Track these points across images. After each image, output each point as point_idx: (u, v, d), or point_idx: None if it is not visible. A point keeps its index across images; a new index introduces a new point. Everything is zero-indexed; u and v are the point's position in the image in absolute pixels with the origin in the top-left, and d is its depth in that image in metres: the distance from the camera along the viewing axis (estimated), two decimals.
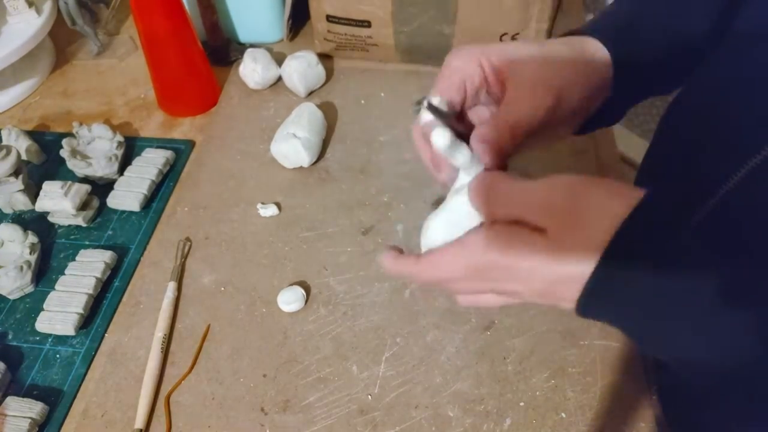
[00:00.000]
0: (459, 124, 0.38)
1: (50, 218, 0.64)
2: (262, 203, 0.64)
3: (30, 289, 0.59)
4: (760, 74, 0.37)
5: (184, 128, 0.75)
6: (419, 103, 0.74)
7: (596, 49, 0.38)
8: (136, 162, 0.68)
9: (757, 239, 0.33)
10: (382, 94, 0.77)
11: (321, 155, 0.69)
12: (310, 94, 0.77)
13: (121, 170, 0.68)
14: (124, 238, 0.63)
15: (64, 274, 0.58)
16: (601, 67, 0.38)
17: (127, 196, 0.65)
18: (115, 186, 0.66)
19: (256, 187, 0.67)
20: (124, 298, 0.59)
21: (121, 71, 0.84)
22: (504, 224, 0.31)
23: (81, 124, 0.70)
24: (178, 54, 0.72)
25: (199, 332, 0.55)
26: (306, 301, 0.56)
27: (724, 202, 0.37)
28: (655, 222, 0.28)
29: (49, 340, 0.55)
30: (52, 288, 0.57)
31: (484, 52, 0.37)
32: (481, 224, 0.33)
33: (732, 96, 0.39)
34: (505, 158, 0.34)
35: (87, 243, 0.63)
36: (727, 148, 0.37)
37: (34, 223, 0.65)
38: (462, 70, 0.37)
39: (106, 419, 0.50)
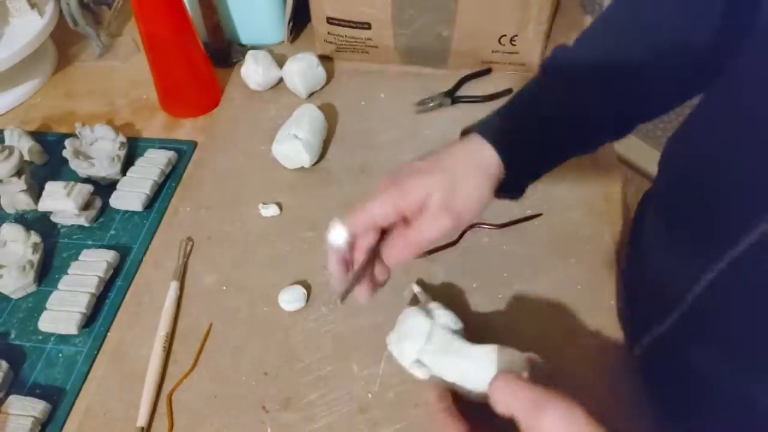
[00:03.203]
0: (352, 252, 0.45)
1: (53, 218, 0.65)
2: (264, 203, 0.64)
3: (33, 288, 0.60)
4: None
5: (186, 129, 0.76)
6: (419, 103, 0.74)
7: (490, 155, 0.43)
8: (139, 162, 0.68)
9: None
10: (382, 96, 0.77)
11: (322, 156, 0.70)
12: (311, 95, 0.78)
13: (124, 170, 0.68)
14: (127, 238, 0.64)
15: (66, 273, 0.58)
16: (497, 171, 0.43)
17: (130, 196, 0.65)
18: (118, 186, 0.66)
19: (257, 187, 0.67)
20: (127, 298, 0.59)
21: (123, 72, 0.85)
22: None
23: (83, 124, 0.71)
24: (179, 55, 0.72)
25: (200, 331, 0.55)
26: (307, 300, 0.57)
27: (737, 261, 0.35)
28: None
29: (52, 339, 0.56)
30: (55, 287, 0.57)
31: (402, 195, 0.41)
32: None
33: (740, 144, 0.37)
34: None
35: (89, 243, 0.63)
36: (741, 202, 0.35)
37: (37, 223, 0.65)
38: (378, 215, 0.42)
39: (108, 418, 0.50)
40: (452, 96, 0.75)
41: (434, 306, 0.49)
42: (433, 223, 0.41)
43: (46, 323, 0.55)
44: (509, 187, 0.45)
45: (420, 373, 0.46)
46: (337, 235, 0.44)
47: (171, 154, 0.70)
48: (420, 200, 0.41)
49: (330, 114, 0.74)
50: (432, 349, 0.45)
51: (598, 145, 0.49)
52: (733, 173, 0.37)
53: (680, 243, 0.43)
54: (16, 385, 0.53)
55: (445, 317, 0.48)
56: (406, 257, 0.42)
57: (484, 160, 0.43)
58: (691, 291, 0.39)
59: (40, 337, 0.56)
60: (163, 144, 0.73)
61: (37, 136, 0.72)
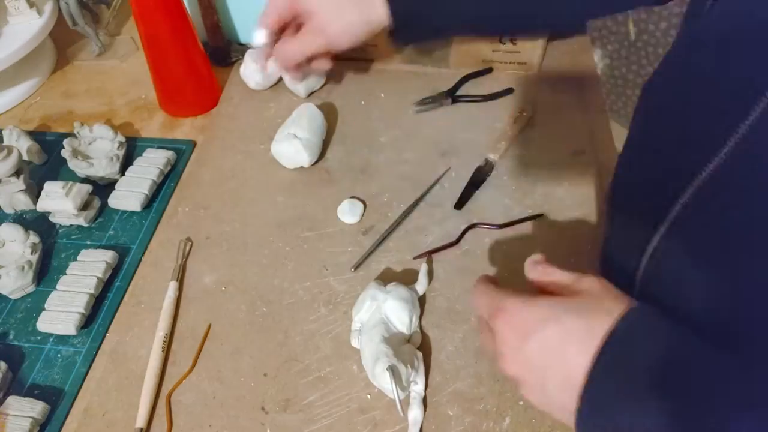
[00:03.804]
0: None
1: (51, 218, 0.65)
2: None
3: (31, 288, 0.59)
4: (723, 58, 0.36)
5: (185, 128, 0.76)
6: (420, 103, 0.74)
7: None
8: (138, 162, 0.68)
9: (735, 229, 0.34)
10: (382, 95, 0.77)
11: (321, 155, 0.69)
12: (311, 94, 0.77)
13: (123, 170, 0.68)
14: (126, 238, 0.64)
15: (65, 273, 0.58)
16: (378, 17, 0.56)
17: (129, 196, 0.65)
18: (117, 186, 0.66)
19: (256, 187, 0.67)
20: (126, 298, 0.59)
21: (122, 72, 0.84)
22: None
23: (82, 124, 0.70)
24: (178, 54, 0.72)
25: (199, 332, 0.55)
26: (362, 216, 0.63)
27: (695, 195, 0.37)
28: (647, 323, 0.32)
29: (51, 339, 0.56)
30: (54, 288, 0.57)
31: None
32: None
33: (698, 82, 0.39)
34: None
35: (88, 243, 0.63)
36: (696, 139, 0.37)
37: (36, 223, 0.65)
38: (281, 9, 0.59)
39: (107, 418, 0.50)
40: (452, 95, 0.75)
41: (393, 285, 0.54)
42: (306, 39, 0.58)
43: (45, 324, 0.55)
44: (404, 33, 0.57)
45: (355, 343, 0.53)
46: (259, 35, 0.61)
47: (170, 153, 0.69)
48: (309, 11, 0.55)
49: (330, 113, 0.74)
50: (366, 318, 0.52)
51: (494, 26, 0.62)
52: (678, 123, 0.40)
53: (625, 218, 0.47)
54: (15, 385, 0.53)
55: (396, 289, 0.53)
56: (284, 64, 0.62)
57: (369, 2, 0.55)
58: (641, 262, 0.42)
59: (39, 338, 0.56)
60: (161, 144, 0.73)
61: (35, 135, 0.72)
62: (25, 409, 0.49)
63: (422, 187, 0.66)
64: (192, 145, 0.73)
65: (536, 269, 0.39)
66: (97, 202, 0.65)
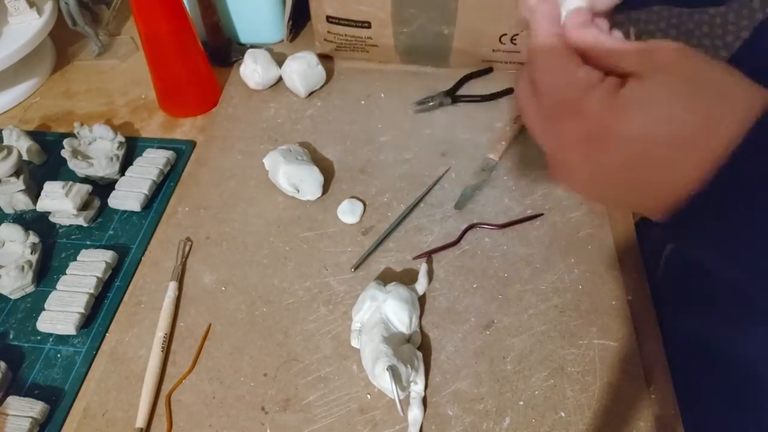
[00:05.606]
0: None
1: (51, 218, 0.64)
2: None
3: (31, 288, 0.59)
4: None
5: (184, 128, 0.76)
6: (420, 103, 0.74)
7: None
8: (137, 162, 0.68)
9: None
10: (382, 95, 0.77)
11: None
12: (311, 94, 0.77)
13: (122, 170, 0.68)
14: (125, 238, 0.63)
15: (65, 273, 0.58)
16: None
17: (128, 196, 0.65)
18: (116, 186, 0.66)
19: (256, 187, 0.67)
20: (125, 298, 0.59)
21: (122, 72, 0.84)
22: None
23: (82, 124, 0.70)
24: (178, 54, 0.72)
25: (199, 332, 0.55)
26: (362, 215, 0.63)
27: None
28: None
29: (51, 339, 0.56)
30: (54, 288, 0.57)
31: None
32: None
33: None
34: None
35: (88, 243, 0.63)
36: None
37: (36, 223, 0.65)
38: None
39: (107, 418, 0.50)
40: (453, 95, 0.75)
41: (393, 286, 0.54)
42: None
43: (45, 323, 0.55)
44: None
45: (355, 343, 0.53)
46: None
47: (170, 153, 0.69)
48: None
49: (330, 113, 0.74)
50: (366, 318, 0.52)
51: None
52: None
53: None
54: (15, 385, 0.53)
55: (396, 289, 0.53)
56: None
57: None
58: None
59: (39, 338, 0.56)
60: (161, 144, 0.73)
61: (35, 135, 0.72)
62: (24, 409, 0.49)
63: (422, 187, 0.66)
64: (192, 145, 0.73)
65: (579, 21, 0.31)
66: (97, 202, 0.65)
